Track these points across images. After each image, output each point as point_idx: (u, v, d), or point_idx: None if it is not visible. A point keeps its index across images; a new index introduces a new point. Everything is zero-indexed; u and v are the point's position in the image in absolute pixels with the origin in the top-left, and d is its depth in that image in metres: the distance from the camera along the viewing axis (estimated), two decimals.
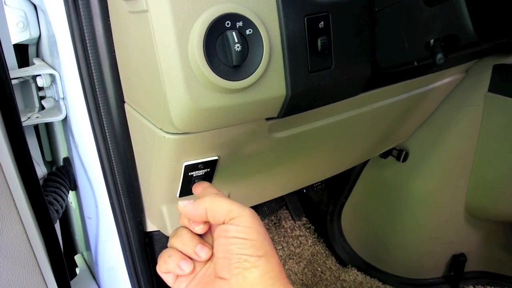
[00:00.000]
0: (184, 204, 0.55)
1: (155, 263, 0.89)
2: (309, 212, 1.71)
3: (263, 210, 1.56)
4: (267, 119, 0.67)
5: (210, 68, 0.52)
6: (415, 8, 0.65)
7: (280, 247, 1.62)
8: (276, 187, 0.92)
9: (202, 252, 0.54)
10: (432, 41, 0.65)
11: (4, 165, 0.57)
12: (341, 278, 1.55)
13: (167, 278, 0.57)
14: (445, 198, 1.34)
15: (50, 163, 1.08)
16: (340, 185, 1.52)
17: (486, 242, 1.44)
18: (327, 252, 1.64)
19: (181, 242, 0.56)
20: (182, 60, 0.52)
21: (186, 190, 0.72)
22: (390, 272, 1.53)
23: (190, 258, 0.55)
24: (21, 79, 0.79)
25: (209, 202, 0.53)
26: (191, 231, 0.57)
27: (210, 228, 0.58)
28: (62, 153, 0.95)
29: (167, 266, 0.55)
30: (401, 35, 0.67)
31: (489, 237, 1.43)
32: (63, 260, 0.75)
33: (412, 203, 1.37)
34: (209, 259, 0.55)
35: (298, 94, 0.60)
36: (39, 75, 0.79)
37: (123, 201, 0.79)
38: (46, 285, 0.68)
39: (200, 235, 0.57)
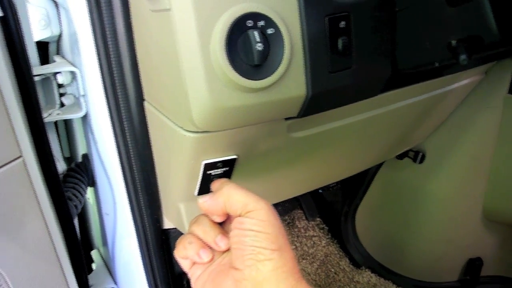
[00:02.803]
0: (204, 200, 0.56)
1: (171, 260, 0.90)
2: (323, 212, 1.71)
3: (277, 209, 1.55)
4: (286, 118, 0.67)
5: (232, 67, 0.52)
6: (437, 8, 0.64)
7: (294, 247, 1.61)
8: (293, 187, 0.92)
9: (222, 243, 0.55)
10: (454, 42, 0.64)
11: (28, 161, 0.58)
12: (354, 280, 1.54)
13: (184, 264, 0.58)
14: (462, 201, 1.32)
15: (68, 159, 1.09)
16: (355, 186, 1.51)
17: (503, 246, 1.42)
18: (340, 253, 1.63)
19: (202, 230, 0.56)
20: (204, 59, 0.52)
21: (204, 189, 0.72)
22: (405, 274, 1.52)
23: (209, 247, 0.56)
24: (43, 76, 0.80)
25: (226, 195, 0.53)
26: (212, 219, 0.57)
27: (229, 218, 0.58)
28: (81, 150, 0.96)
29: (186, 252, 0.56)
30: (423, 35, 0.66)
31: (506, 241, 1.41)
32: (81, 256, 0.76)
33: (428, 205, 1.36)
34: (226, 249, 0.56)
35: (318, 94, 0.60)
36: (60, 72, 0.80)
37: (141, 198, 0.79)
38: (66, 280, 0.68)
39: (220, 224, 0.58)
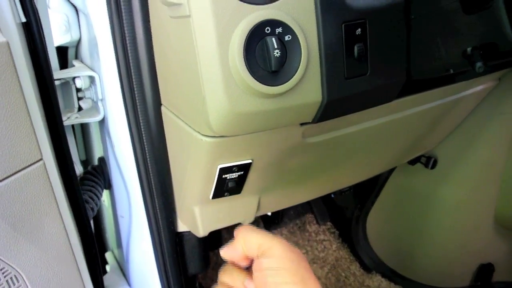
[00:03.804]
0: (224, 250, 0.57)
1: (184, 262, 0.91)
2: (334, 216, 1.71)
3: (289, 213, 1.56)
4: (301, 124, 0.67)
5: (250, 73, 0.53)
6: (453, 16, 0.64)
7: (304, 251, 1.62)
8: (306, 192, 0.92)
9: (251, 286, 0.56)
10: (469, 49, 0.65)
11: (48, 164, 0.59)
12: (365, 284, 1.54)
13: None
14: (474, 207, 1.32)
15: (84, 162, 1.11)
16: (366, 191, 1.51)
17: None
18: (351, 258, 1.63)
19: (231, 277, 0.57)
20: (222, 65, 0.53)
21: (219, 192, 0.73)
22: (415, 279, 1.51)
23: None
24: (62, 80, 0.81)
25: (242, 239, 0.54)
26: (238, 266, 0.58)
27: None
28: (97, 153, 0.98)
29: None
30: (438, 42, 0.67)
31: None
32: (97, 257, 0.77)
33: (439, 210, 1.35)
34: None
35: (334, 100, 0.61)
36: (78, 76, 0.81)
37: (156, 201, 0.80)
38: (83, 281, 0.69)
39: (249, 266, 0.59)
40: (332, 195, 1.38)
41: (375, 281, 1.55)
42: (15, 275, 0.59)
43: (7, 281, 0.58)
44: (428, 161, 1.28)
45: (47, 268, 0.63)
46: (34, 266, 0.61)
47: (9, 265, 0.57)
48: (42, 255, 0.62)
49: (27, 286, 0.61)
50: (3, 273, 0.57)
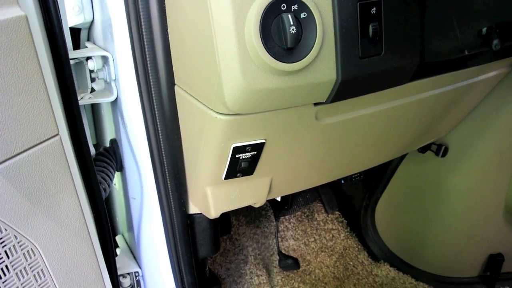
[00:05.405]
0: None
1: (195, 245, 0.92)
2: (343, 205, 1.71)
3: (298, 200, 1.56)
4: (315, 104, 0.67)
5: (265, 49, 0.53)
6: None
7: (313, 239, 1.62)
8: (317, 175, 0.93)
9: None
10: (484, 29, 0.64)
11: (64, 139, 0.60)
12: (373, 273, 1.54)
13: None
14: (485, 196, 1.31)
15: (94, 146, 1.11)
16: (375, 179, 1.51)
17: None
18: (359, 247, 1.63)
19: None
20: (239, 41, 0.53)
21: (232, 173, 0.73)
22: (424, 269, 1.51)
23: None
24: (76, 60, 0.82)
25: None
26: None
27: None
28: (108, 136, 0.98)
29: None
30: (453, 23, 0.66)
31: None
32: (110, 236, 0.78)
33: (450, 199, 1.35)
34: None
35: (348, 79, 0.61)
36: (91, 58, 0.81)
37: (168, 182, 0.81)
38: (96, 258, 0.70)
39: None
40: (342, 181, 1.38)
41: (383, 270, 1.55)
42: (31, 249, 0.59)
43: (23, 254, 0.59)
44: (439, 149, 1.27)
45: (62, 243, 0.63)
46: (50, 240, 0.62)
47: (25, 238, 0.58)
48: (58, 229, 0.62)
49: (43, 260, 0.61)
50: (20, 246, 0.58)
